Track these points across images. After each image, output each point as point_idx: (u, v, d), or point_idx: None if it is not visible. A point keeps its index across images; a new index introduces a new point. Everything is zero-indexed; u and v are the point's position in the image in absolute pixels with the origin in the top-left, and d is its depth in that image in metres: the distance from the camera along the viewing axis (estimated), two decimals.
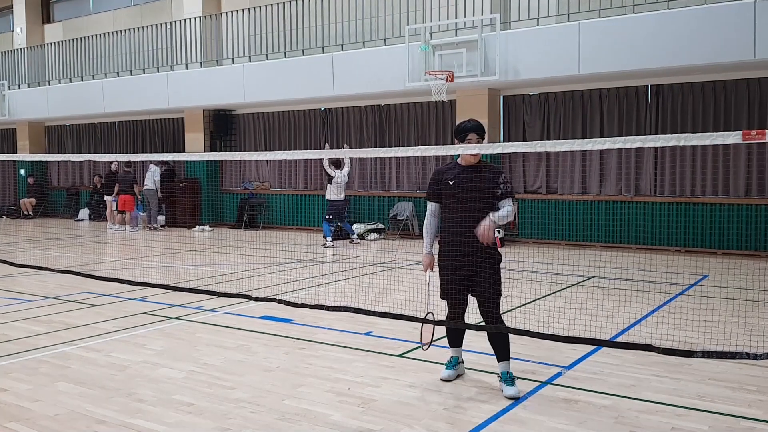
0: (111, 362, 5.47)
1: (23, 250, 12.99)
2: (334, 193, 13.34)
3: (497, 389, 4.71)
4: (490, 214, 4.56)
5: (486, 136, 4.84)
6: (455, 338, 5.02)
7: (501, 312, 4.79)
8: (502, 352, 4.72)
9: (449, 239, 4.77)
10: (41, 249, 13.25)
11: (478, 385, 4.84)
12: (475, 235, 4.56)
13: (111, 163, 18.11)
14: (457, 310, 4.78)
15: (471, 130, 4.74)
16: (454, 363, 5.01)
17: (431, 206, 4.93)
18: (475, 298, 4.76)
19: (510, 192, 4.74)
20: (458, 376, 5.03)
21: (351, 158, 13.83)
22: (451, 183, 4.74)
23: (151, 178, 16.96)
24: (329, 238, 13.18)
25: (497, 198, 4.69)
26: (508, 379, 4.67)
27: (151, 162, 17.07)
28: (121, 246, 14.20)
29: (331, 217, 13.34)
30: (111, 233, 16.26)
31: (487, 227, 4.51)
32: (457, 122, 13.26)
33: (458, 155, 4.82)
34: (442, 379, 4.93)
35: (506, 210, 4.67)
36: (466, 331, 5.09)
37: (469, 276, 4.69)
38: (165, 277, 9.47)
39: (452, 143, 5.40)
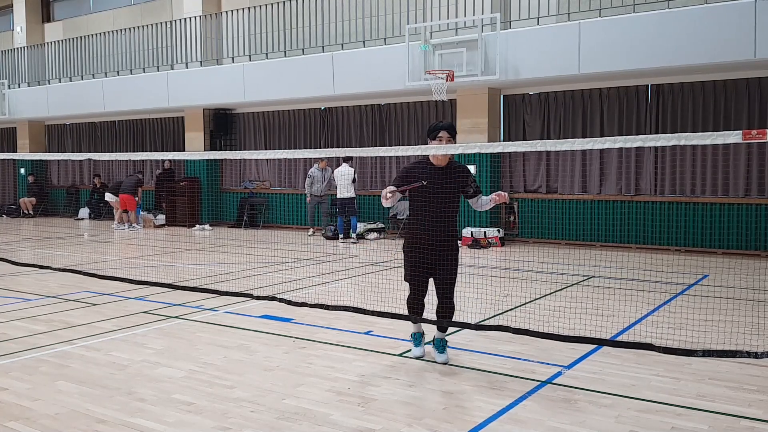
0: (111, 361, 5.47)
1: (23, 249, 12.99)
2: (338, 191, 13.98)
3: (497, 388, 4.72)
4: (494, 194, 5.19)
5: (456, 136, 5.15)
6: (419, 314, 5.32)
7: (501, 311, 4.82)
8: (445, 325, 5.23)
9: (418, 234, 5.12)
10: (41, 248, 13.25)
11: (478, 384, 4.83)
12: (442, 230, 5.06)
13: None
14: (421, 291, 5.21)
15: (443, 128, 5.04)
16: (420, 337, 5.43)
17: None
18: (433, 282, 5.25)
19: (479, 188, 5.32)
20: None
21: (351, 157, 14.19)
22: (425, 183, 4.97)
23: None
24: (341, 235, 13.97)
25: (470, 195, 5.27)
26: (441, 346, 5.29)
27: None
28: (122, 245, 14.20)
29: (338, 210, 14.10)
30: (126, 233, 16.25)
31: (503, 196, 5.12)
32: (458, 122, 13.46)
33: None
34: (415, 357, 5.34)
35: (488, 199, 5.28)
36: (466, 330, 5.12)
37: (435, 263, 5.10)
38: (165, 276, 9.47)
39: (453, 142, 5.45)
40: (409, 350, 5.64)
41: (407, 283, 5.33)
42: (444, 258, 5.13)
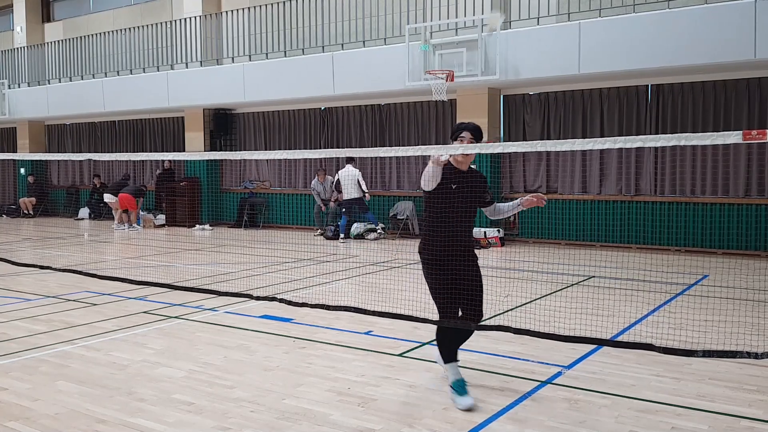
0: (111, 361, 5.47)
1: (23, 249, 12.98)
2: (344, 192, 14.17)
3: (497, 389, 4.72)
4: (530, 196, 4.77)
5: (482, 139, 4.70)
6: (455, 348, 4.66)
7: (501, 311, 4.79)
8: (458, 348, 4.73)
9: (442, 242, 4.58)
10: (41, 248, 13.25)
11: (478, 384, 4.83)
12: (464, 239, 4.67)
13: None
14: (454, 311, 4.56)
15: (466, 129, 4.65)
16: (464, 384, 4.51)
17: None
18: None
19: (493, 197, 4.92)
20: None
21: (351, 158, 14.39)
22: (453, 187, 4.59)
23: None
24: (342, 235, 14.13)
25: (487, 204, 4.84)
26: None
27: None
28: (122, 245, 14.20)
29: (343, 210, 14.26)
30: (126, 233, 16.26)
31: (541, 198, 4.71)
32: (457, 122, 13.43)
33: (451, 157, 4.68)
34: (466, 409, 4.35)
35: (514, 204, 4.86)
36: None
37: (462, 278, 4.58)
38: (165, 277, 9.47)
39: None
40: (409, 350, 5.63)
41: (437, 306, 4.62)
42: (469, 272, 4.62)
